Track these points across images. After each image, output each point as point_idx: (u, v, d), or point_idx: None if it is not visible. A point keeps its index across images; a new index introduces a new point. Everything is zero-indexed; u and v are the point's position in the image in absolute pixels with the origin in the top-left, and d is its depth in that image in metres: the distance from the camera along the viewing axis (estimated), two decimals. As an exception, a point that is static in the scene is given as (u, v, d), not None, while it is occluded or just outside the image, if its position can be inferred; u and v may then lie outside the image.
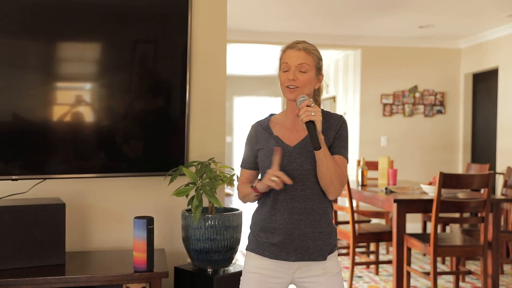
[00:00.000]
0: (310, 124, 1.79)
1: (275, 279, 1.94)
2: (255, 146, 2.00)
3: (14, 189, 2.73)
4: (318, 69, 1.97)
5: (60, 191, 2.84)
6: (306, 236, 1.90)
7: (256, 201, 2.02)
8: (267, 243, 1.93)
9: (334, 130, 1.94)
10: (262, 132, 2.00)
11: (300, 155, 1.91)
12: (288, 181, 1.83)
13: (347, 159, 1.95)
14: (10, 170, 2.65)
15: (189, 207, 2.66)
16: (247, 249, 2.01)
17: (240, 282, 2.00)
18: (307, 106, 1.81)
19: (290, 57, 1.92)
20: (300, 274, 1.94)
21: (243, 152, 2.08)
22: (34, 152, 2.70)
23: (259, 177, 2.04)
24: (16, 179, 2.65)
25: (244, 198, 2.04)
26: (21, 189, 2.73)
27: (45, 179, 2.71)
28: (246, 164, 2.05)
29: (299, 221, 1.90)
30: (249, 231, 2.05)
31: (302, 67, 1.91)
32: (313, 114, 1.78)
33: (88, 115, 2.82)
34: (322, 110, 1.98)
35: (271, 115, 2.07)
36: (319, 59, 1.97)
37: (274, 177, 1.82)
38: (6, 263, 2.41)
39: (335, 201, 4.75)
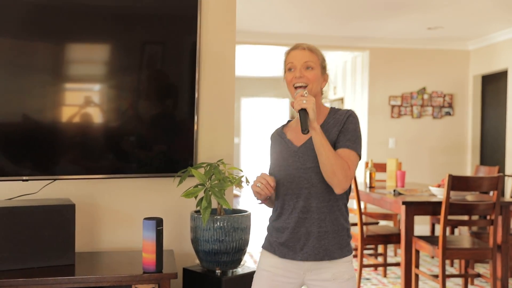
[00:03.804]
0: (302, 112, 1.82)
1: (285, 279, 1.96)
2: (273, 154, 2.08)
3: (24, 190, 2.75)
4: (323, 68, 1.99)
5: (70, 191, 2.86)
6: (311, 235, 1.91)
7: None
8: (276, 242, 1.98)
9: (340, 125, 1.92)
10: (277, 138, 2.07)
11: (304, 154, 1.93)
12: (271, 181, 1.90)
13: (356, 152, 1.88)
14: (20, 170, 2.67)
15: (198, 208, 2.67)
16: (262, 246, 2.08)
17: (253, 278, 2.06)
18: (301, 96, 1.83)
19: (295, 57, 1.96)
20: (310, 276, 1.95)
21: None
22: (44, 153, 2.71)
23: None
24: (27, 180, 2.66)
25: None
26: (31, 190, 2.75)
27: (55, 179, 2.73)
28: (269, 172, 2.10)
29: (304, 220, 1.92)
30: (260, 232, 2.09)
31: (307, 65, 1.93)
32: (304, 102, 1.80)
33: (97, 116, 2.83)
34: (332, 107, 2.01)
35: (289, 121, 2.13)
36: (323, 58, 2.00)
37: (258, 183, 1.89)
38: (17, 263, 2.43)
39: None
